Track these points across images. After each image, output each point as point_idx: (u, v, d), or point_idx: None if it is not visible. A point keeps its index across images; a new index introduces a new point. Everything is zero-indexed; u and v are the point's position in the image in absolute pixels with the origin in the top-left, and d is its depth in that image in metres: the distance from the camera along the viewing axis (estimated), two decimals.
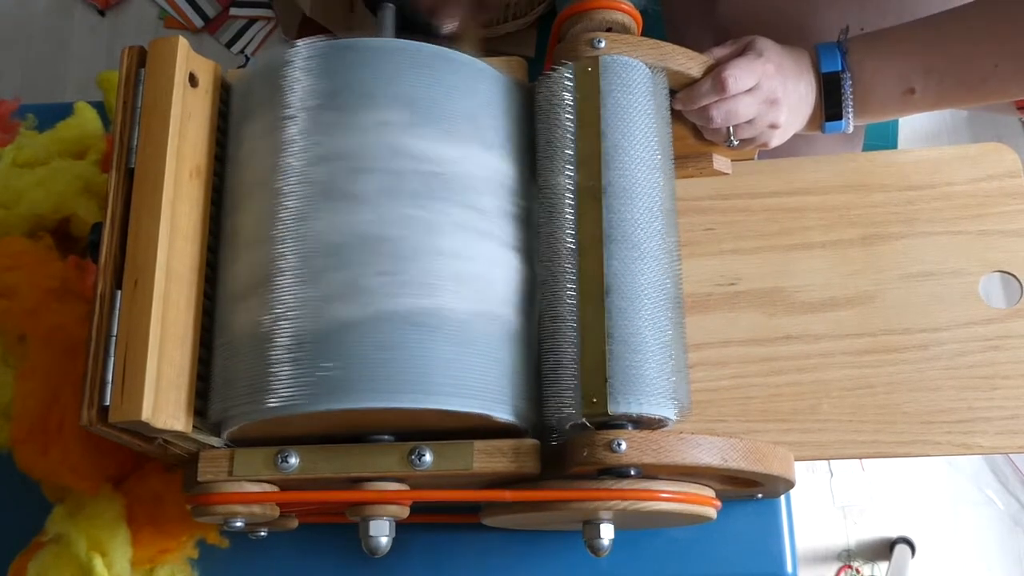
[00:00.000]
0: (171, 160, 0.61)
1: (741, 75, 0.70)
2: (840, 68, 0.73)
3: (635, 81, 0.66)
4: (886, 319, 0.77)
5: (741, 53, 0.72)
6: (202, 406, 0.61)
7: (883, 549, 1.45)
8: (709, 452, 0.59)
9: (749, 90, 0.71)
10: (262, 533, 0.69)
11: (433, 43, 0.65)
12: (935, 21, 0.74)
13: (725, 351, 0.76)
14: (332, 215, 0.60)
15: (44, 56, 1.74)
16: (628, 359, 0.60)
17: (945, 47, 0.72)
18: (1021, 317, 0.76)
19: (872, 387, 0.75)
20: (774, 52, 0.72)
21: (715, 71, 0.71)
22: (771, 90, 0.72)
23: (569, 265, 0.62)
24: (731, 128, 0.73)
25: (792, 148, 1.01)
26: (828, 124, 0.75)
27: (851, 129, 0.76)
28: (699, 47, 0.71)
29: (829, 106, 0.74)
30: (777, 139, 0.75)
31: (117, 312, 0.58)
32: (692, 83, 0.72)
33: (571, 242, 0.63)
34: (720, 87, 0.70)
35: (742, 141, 0.75)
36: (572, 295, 0.62)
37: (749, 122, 0.73)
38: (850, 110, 0.74)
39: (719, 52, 0.73)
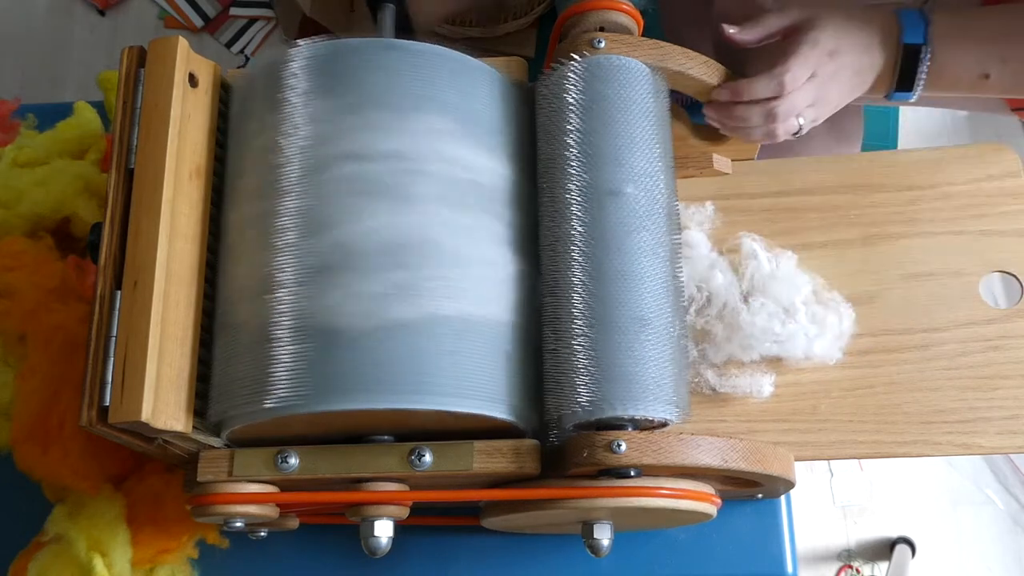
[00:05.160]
0: (171, 160, 0.61)
1: (798, 73, 0.70)
2: (923, 40, 0.72)
3: (635, 81, 0.66)
4: (886, 319, 0.77)
5: (797, 32, 0.72)
6: (202, 406, 0.61)
7: (883, 549, 1.45)
8: (709, 453, 0.59)
9: (806, 80, 0.71)
10: (262, 533, 0.69)
11: (436, 43, 0.65)
12: (1018, 11, 0.73)
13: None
14: (331, 217, 0.60)
15: (44, 56, 1.74)
16: (628, 360, 0.60)
17: None
18: (1021, 317, 0.76)
19: (872, 387, 0.75)
20: (830, 34, 0.72)
21: (774, 71, 0.71)
22: (825, 76, 0.72)
23: (570, 266, 0.62)
24: (797, 117, 0.73)
25: (791, 148, 1.02)
26: (896, 94, 0.75)
27: (915, 99, 0.75)
28: (696, 48, 0.71)
29: (902, 77, 0.74)
30: (825, 116, 0.75)
31: (117, 312, 0.58)
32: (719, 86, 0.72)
33: (572, 243, 0.63)
34: (779, 87, 0.70)
35: (806, 123, 0.75)
36: (573, 296, 0.62)
37: (810, 107, 0.73)
38: (922, 83, 0.73)
39: (775, 23, 0.73)
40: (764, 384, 0.74)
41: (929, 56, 0.72)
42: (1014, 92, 0.76)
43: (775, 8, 0.80)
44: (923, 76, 0.73)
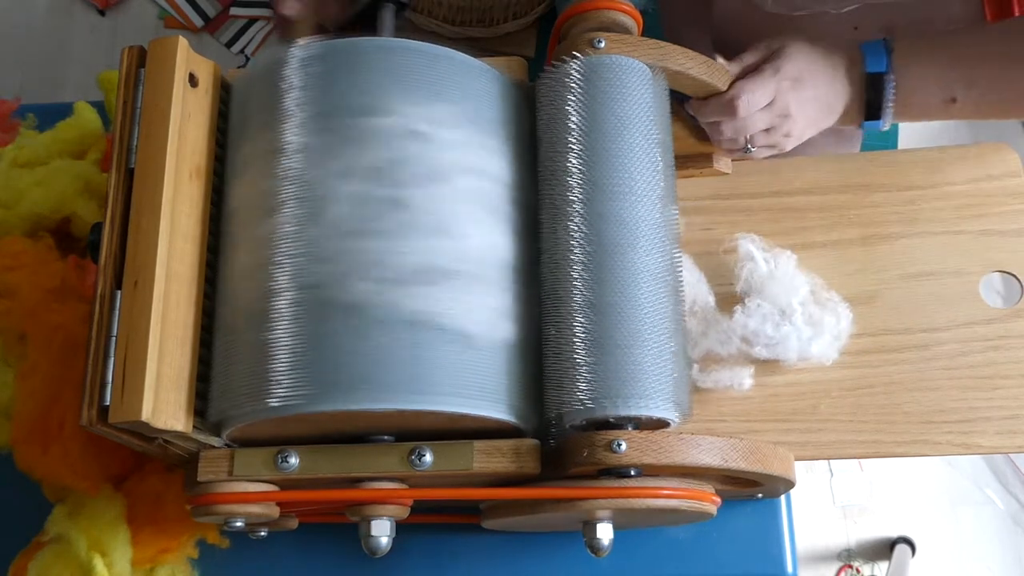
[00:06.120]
0: (171, 160, 0.61)
1: (753, 98, 0.71)
2: (885, 69, 0.73)
3: (635, 81, 0.66)
4: (886, 319, 0.77)
5: (765, 62, 0.73)
6: (202, 406, 0.61)
7: (883, 549, 1.45)
8: (709, 452, 0.59)
9: (763, 107, 0.72)
10: (262, 533, 0.69)
11: (436, 43, 0.65)
12: (981, 36, 0.74)
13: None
14: (332, 217, 0.60)
15: (44, 56, 1.74)
16: (628, 360, 0.60)
17: (990, 63, 0.73)
18: (1021, 317, 0.76)
19: (872, 387, 0.75)
20: (795, 63, 0.73)
21: (727, 94, 0.72)
22: (784, 105, 0.73)
23: (570, 265, 0.62)
24: (747, 137, 0.75)
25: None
26: (866, 123, 0.76)
27: (887, 127, 0.76)
28: (696, 48, 0.71)
29: (870, 106, 0.74)
30: (791, 145, 0.77)
31: (117, 312, 0.58)
32: (710, 95, 0.73)
33: (572, 242, 0.63)
34: (731, 111, 0.72)
35: (758, 148, 0.76)
36: (573, 295, 0.62)
37: (765, 131, 0.75)
38: (890, 111, 0.74)
39: (749, 59, 0.74)
40: (744, 377, 0.74)
41: (893, 84, 0.73)
42: (982, 115, 0.76)
43: (774, 9, 0.80)
44: (890, 104, 0.74)
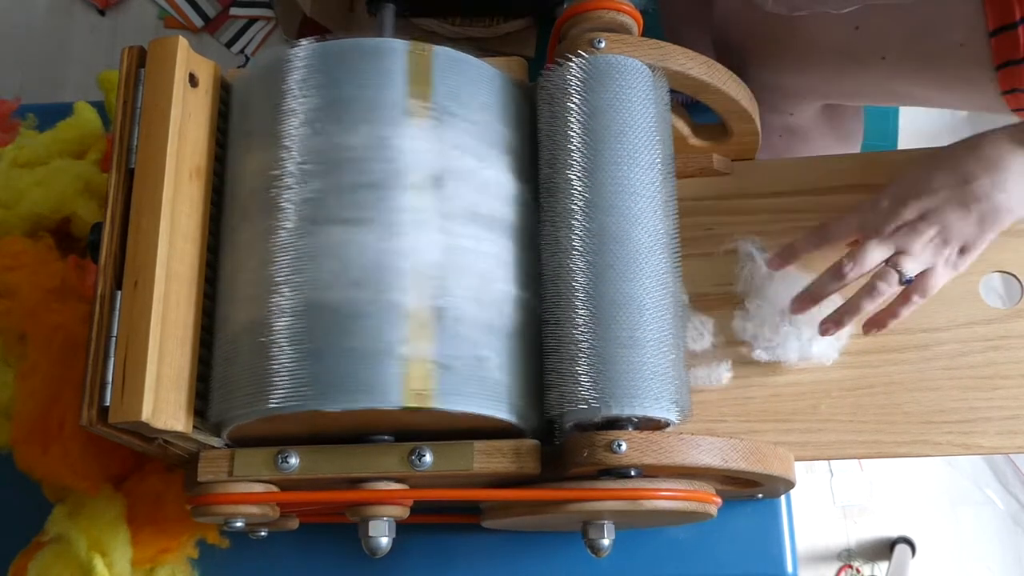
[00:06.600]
0: (171, 160, 0.61)
1: (860, 266, 0.70)
2: None
3: (636, 81, 0.66)
4: None
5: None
6: (202, 406, 0.61)
7: (883, 549, 1.45)
8: (709, 453, 0.59)
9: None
10: (262, 533, 0.69)
11: (435, 42, 0.65)
12: None
13: (725, 351, 0.76)
14: (332, 217, 0.60)
15: (44, 56, 1.74)
16: (629, 360, 0.60)
17: None
18: (1021, 317, 0.76)
19: (872, 387, 0.75)
20: (909, 207, 0.70)
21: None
22: (925, 252, 0.70)
23: (571, 265, 0.62)
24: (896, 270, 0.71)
25: (791, 148, 1.01)
26: None
27: None
28: (696, 48, 0.71)
29: None
30: (972, 255, 0.72)
31: (117, 312, 0.58)
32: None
33: (572, 242, 0.63)
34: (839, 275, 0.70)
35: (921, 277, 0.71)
36: (574, 295, 0.62)
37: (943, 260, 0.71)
38: None
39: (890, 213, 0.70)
40: (721, 372, 0.74)
41: None
42: None
43: (775, 9, 0.80)
44: None
